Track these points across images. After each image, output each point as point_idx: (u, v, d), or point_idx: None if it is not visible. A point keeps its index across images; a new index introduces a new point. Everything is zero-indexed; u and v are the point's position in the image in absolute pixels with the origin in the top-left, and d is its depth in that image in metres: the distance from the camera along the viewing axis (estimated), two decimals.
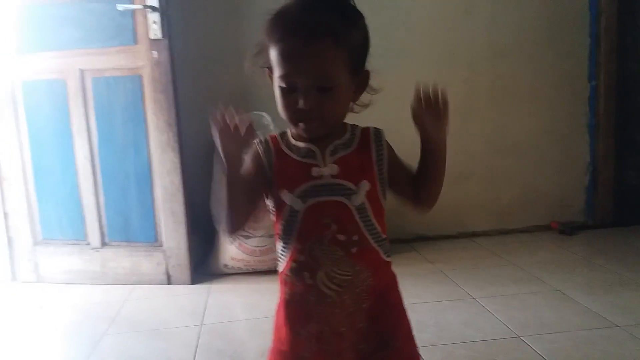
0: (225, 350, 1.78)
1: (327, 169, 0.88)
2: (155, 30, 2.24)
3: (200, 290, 2.32)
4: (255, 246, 2.40)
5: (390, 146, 0.94)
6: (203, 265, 2.49)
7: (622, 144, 2.90)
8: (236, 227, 0.91)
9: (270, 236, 2.40)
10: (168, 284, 2.39)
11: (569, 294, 2.10)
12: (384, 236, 0.92)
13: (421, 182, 0.93)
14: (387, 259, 0.93)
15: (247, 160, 0.91)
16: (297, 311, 0.91)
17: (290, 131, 0.93)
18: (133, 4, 2.24)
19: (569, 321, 1.87)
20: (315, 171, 0.88)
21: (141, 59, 2.29)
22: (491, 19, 2.75)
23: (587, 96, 2.90)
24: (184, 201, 2.36)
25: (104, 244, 2.46)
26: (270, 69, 0.91)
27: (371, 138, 0.92)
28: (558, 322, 1.87)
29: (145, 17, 2.24)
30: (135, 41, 2.28)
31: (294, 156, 0.90)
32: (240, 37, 2.70)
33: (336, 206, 0.88)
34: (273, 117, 2.52)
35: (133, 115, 2.35)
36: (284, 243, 0.91)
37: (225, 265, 2.44)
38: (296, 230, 0.89)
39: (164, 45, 2.26)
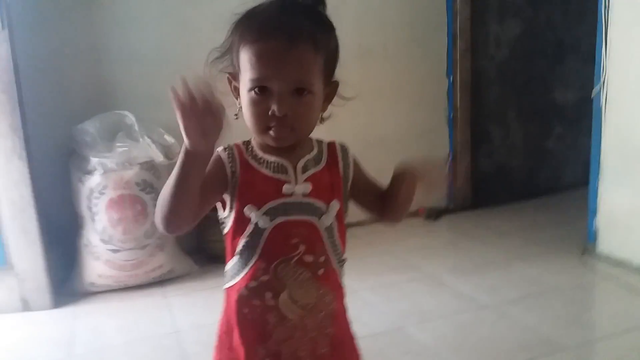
0: None
1: (300, 187, 0.84)
2: None
3: (65, 314, 2.08)
4: (125, 260, 2.20)
5: (357, 162, 0.92)
6: (65, 285, 2.23)
7: (476, 134, 3.14)
8: (177, 220, 0.79)
9: (142, 247, 2.23)
10: (25, 310, 2.10)
11: (441, 278, 2.23)
12: (343, 257, 0.90)
13: (390, 204, 0.92)
14: (342, 281, 0.91)
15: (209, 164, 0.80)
16: (254, 331, 0.85)
17: (254, 142, 0.87)
18: None
19: (446, 306, 1.98)
20: (287, 188, 0.83)
21: None
22: (358, 21, 2.82)
23: (446, 91, 3.09)
24: (37, 216, 2.09)
25: None
26: (232, 74, 0.85)
27: (338, 154, 0.90)
28: (436, 308, 1.97)
29: None
30: None
31: (263, 170, 0.85)
32: (95, 28, 2.45)
33: (306, 226, 0.84)
34: (137, 116, 2.33)
35: None
36: (242, 259, 0.85)
37: (92, 284, 2.21)
38: (260, 248, 0.84)
39: (3, 38, 1.97)
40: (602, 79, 2.21)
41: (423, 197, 0.90)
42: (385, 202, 0.93)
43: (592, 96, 2.26)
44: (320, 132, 0.92)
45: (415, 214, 3.08)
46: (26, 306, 2.11)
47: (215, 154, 0.85)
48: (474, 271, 2.29)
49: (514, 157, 3.26)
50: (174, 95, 0.70)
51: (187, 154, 0.73)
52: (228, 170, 0.84)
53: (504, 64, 3.11)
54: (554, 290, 2.06)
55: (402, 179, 0.90)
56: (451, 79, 3.06)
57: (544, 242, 2.58)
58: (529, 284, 2.12)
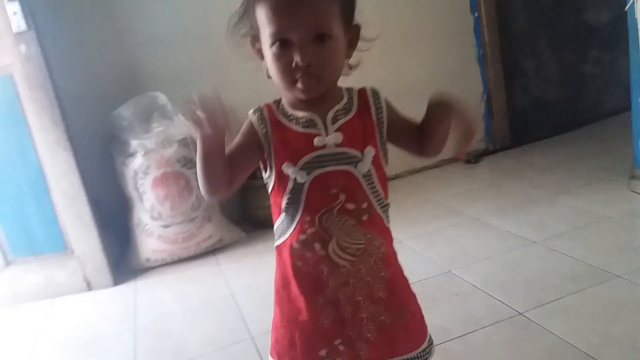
0: (165, 348, 1.71)
1: (331, 138, 0.85)
2: (18, 21, 2.00)
3: (126, 290, 2.20)
4: (176, 234, 2.30)
5: (390, 104, 0.91)
6: (123, 264, 2.35)
7: (509, 69, 3.05)
8: (212, 192, 0.86)
9: (191, 220, 2.32)
10: (89, 290, 2.24)
11: (486, 220, 2.22)
12: (386, 202, 0.91)
13: (426, 140, 0.90)
14: (388, 225, 0.92)
15: (240, 133, 0.88)
16: (310, 280, 0.88)
17: (285, 99, 0.89)
18: None
19: (492, 246, 1.98)
20: (317, 141, 0.85)
21: (8, 55, 2.04)
22: None
23: (472, 28, 3.00)
24: (89, 202, 2.20)
25: (8, 262, 2.26)
26: (254, 36, 0.86)
27: (370, 99, 0.90)
28: (481, 249, 1.98)
29: (3, 9, 1.98)
30: None
31: (294, 127, 0.86)
32: (117, 15, 2.49)
33: (343, 175, 0.85)
34: (168, 95, 2.38)
35: (11, 119, 2.11)
36: (288, 216, 0.88)
37: (148, 259, 2.32)
38: (302, 203, 0.86)
39: (31, 38, 2.04)
40: None
41: (460, 145, 0.86)
42: (422, 137, 0.91)
43: (626, 9, 2.14)
44: (347, 85, 0.92)
45: (455, 159, 3.05)
46: (89, 286, 2.24)
47: (247, 120, 0.88)
48: (518, 210, 2.27)
49: (550, 88, 3.15)
50: (187, 113, 0.77)
51: (201, 147, 0.81)
52: (260, 133, 0.87)
53: None
54: (603, 220, 2.02)
55: (437, 110, 0.87)
56: (476, 14, 2.97)
57: (589, 172, 2.52)
58: (577, 216, 2.09)
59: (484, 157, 3.06)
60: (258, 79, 0.90)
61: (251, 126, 0.88)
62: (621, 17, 2.20)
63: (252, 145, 0.87)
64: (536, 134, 3.15)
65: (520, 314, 1.53)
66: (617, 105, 3.06)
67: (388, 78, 2.86)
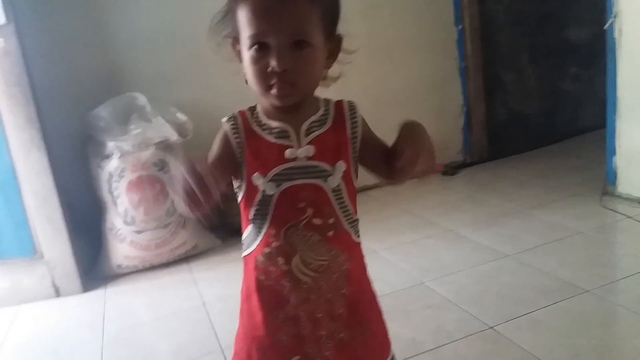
0: (133, 359, 1.67)
1: (303, 151, 0.84)
2: None
3: (95, 297, 2.15)
4: (149, 240, 2.26)
5: (365, 121, 0.90)
6: (94, 270, 2.31)
7: (489, 82, 3.08)
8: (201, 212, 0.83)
9: (165, 226, 2.28)
10: (57, 296, 2.18)
11: (460, 232, 2.23)
12: (355, 217, 0.90)
13: (394, 166, 0.88)
14: (357, 240, 0.91)
15: (217, 144, 0.86)
16: (272, 295, 0.86)
17: (260, 107, 0.88)
18: None
19: (465, 258, 1.99)
20: (289, 153, 0.83)
21: None
22: None
23: (456, 40, 3.02)
24: (61, 204, 2.15)
25: None
26: (235, 38, 0.84)
27: (346, 113, 0.89)
28: (455, 261, 1.98)
29: None
30: None
31: (267, 137, 0.85)
32: (99, 13, 2.46)
33: (312, 189, 0.84)
34: (148, 97, 2.35)
35: None
36: (255, 227, 0.87)
37: (119, 266, 2.28)
38: (270, 215, 0.85)
39: (10, 31, 1.99)
40: (614, 10, 2.13)
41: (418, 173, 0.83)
42: (391, 160, 0.88)
43: (605, 27, 2.18)
44: (329, 94, 0.91)
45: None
46: (58, 292, 2.19)
47: (221, 129, 0.87)
48: (493, 223, 2.28)
49: (529, 102, 3.20)
50: (179, 186, 0.74)
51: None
52: (233, 143, 0.85)
53: (514, 5, 3.02)
54: (575, 235, 2.04)
55: (407, 138, 0.85)
56: (460, 27, 2.99)
57: (563, 187, 2.55)
58: (550, 231, 2.11)
59: (461, 170, 3.08)
60: (239, 82, 0.89)
61: (225, 137, 0.86)
62: (601, 35, 2.24)
63: (229, 155, 0.86)
64: (513, 147, 3.18)
65: (491, 327, 1.53)
66: (593, 122, 3.10)
67: (370, 87, 2.87)
